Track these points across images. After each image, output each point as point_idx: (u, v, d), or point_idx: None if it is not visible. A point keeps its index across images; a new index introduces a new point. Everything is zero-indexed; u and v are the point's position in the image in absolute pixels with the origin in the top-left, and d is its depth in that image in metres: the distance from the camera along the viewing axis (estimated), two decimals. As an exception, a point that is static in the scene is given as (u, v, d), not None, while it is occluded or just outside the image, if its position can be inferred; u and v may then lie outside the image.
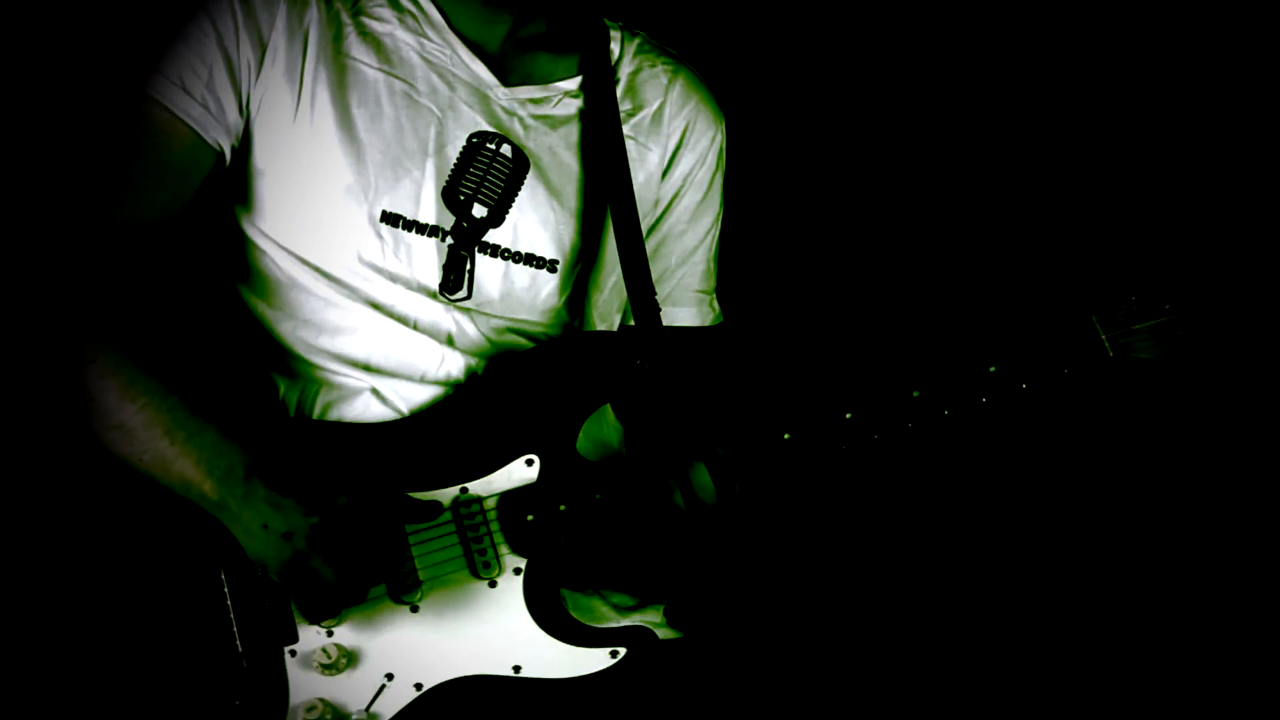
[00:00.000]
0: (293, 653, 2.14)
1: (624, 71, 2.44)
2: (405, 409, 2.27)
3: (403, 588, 2.16)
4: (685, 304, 2.52)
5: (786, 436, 2.24)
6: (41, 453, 2.22)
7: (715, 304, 2.55)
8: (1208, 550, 3.01)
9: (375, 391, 2.27)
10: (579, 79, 2.40)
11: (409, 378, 2.28)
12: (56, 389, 2.11)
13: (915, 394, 2.26)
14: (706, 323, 2.54)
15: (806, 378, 2.94)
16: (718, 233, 2.54)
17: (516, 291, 2.32)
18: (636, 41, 2.48)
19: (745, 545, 2.97)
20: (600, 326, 2.43)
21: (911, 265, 3.12)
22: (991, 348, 2.28)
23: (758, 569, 3.02)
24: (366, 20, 2.31)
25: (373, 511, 2.10)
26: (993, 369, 2.26)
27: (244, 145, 2.24)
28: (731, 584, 2.93)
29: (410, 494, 2.20)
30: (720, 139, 2.49)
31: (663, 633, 2.35)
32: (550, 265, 2.33)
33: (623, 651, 2.19)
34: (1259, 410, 2.83)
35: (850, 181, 3.16)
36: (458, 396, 2.29)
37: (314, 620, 2.13)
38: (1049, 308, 2.33)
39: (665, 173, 2.45)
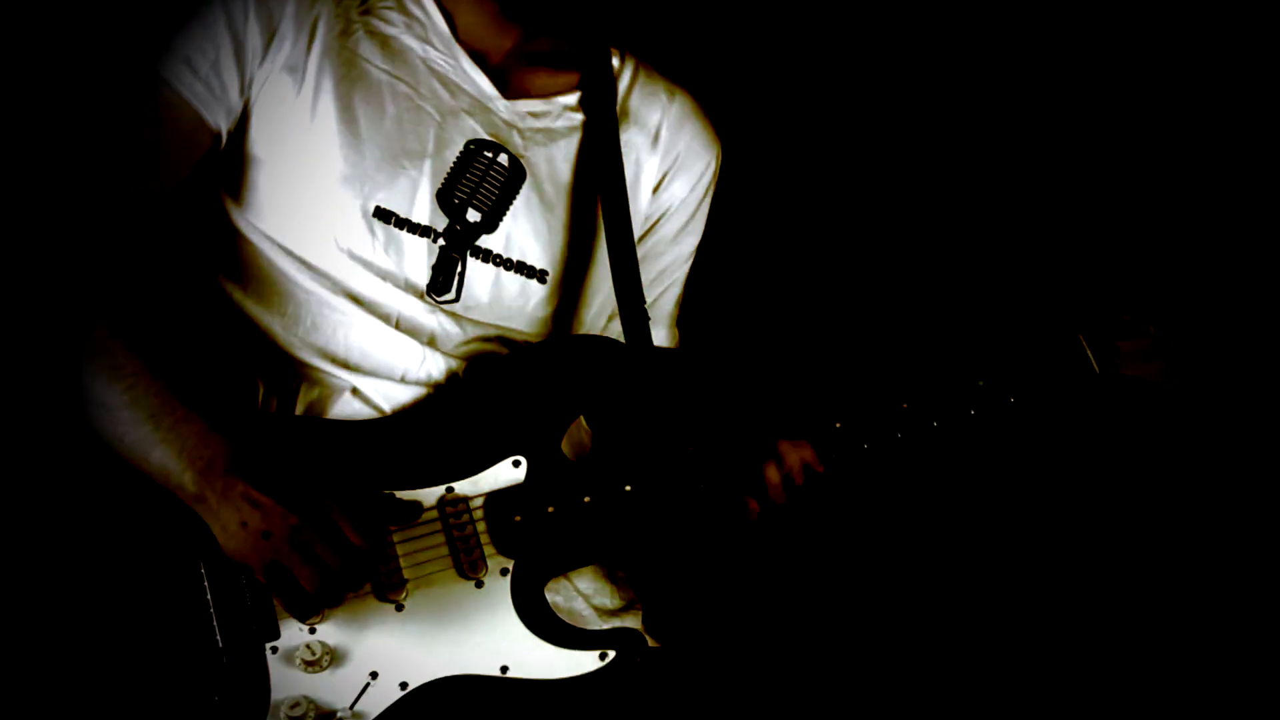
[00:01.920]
0: (274, 649, 2.10)
1: (622, 89, 2.46)
2: (387, 408, 2.25)
3: (388, 586, 2.13)
4: (659, 324, 2.53)
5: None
6: (22, 442, 2.18)
7: (676, 329, 2.56)
8: (1196, 557, 3.03)
9: (356, 391, 2.25)
10: (579, 94, 2.42)
11: (389, 377, 2.26)
12: (48, 368, 2.08)
13: (905, 405, 2.28)
14: (672, 344, 2.55)
15: (797, 387, 2.95)
16: (691, 262, 2.55)
17: (505, 299, 2.31)
18: (634, 62, 2.51)
19: (727, 556, 2.96)
20: None
21: (904, 278, 3.14)
22: (980, 362, 2.30)
23: (741, 579, 3.01)
24: (374, 21, 2.32)
25: (354, 512, 2.07)
26: (981, 383, 2.28)
27: (240, 129, 2.23)
28: (711, 595, 2.92)
29: (394, 493, 2.17)
30: (714, 165, 2.51)
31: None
32: (540, 275, 2.33)
33: (612, 654, 2.16)
34: (1248, 426, 2.86)
35: (844, 194, 3.18)
36: (441, 396, 2.27)
37: (298, 619, 2.10)
38: (1039, 323, 2.35)
39: (655, 191, 2.46)
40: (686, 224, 2.51)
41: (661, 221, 2.49)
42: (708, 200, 2.52)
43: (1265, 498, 2.93)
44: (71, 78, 2.45)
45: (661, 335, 2.53)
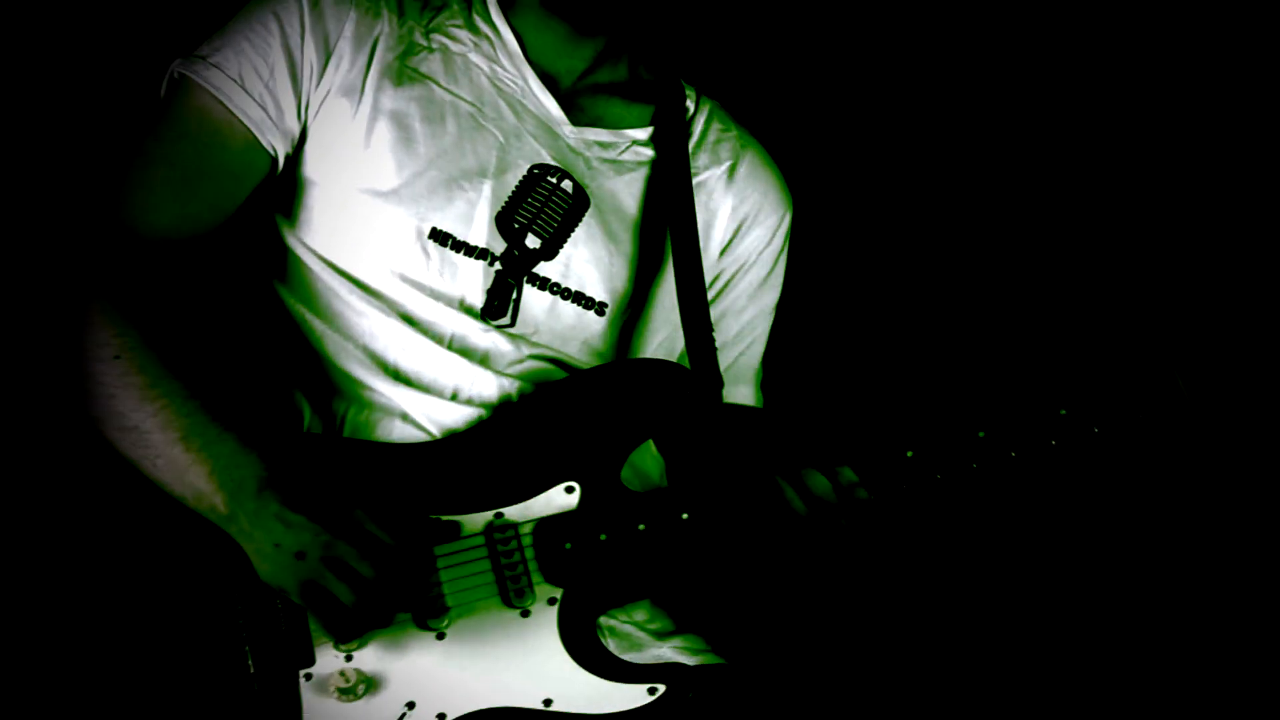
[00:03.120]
0: (308, 676, 2.00)
1: (697, 129, 2.39)
2: (436, 432, 2.16)
3: (429, 613, 2.03)
4: (743, 383, 2.43)
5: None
6: (52, 461, 2.15)
7: (760, 390, 2.46)
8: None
9: (406, 416, 2.16)
10: (650, 129, 2.34)
11: (439, 394, 2.17)
12: (77, 387, 2.02)
13: (981, 434, 2.15)
14: (757, 404, 2.45)
15: (870, 414, 2.85)
16: (772, 319, 2.45)
17: (561, 328, 2.23)
18: (710, 105, 2.44)
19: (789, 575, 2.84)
20: None
21: (984, 304, 3.04)
22: (1061, 390, 2.17)
23: (804, 599, 2.89)
24: (441, 38, 2.27)
25: (389, 523, 1.97)
26: (1063, 411, 2.15)
27: (297, 152, 2.18)
28: (778, 612, 2.80)
29: (439, 517, 2.08)
30: (788, 220, 2.43)
31: (703, 659, 2.22)
32: (599, 307, 2.24)
33: (661, 688, 2.03)
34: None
35: (923, 218, 3.10)
36: (494, 420, 2.18)
37: (338, 641, 2.00)
38: (1121, 353, 2.24)
39: (728, 246, 2.38)
40: (766, 278, 2.42)
41: (740, 274, 2.40)
42: (784, 256, 2.44)
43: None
44: (128, 94, 2.43)
45: (745, 393, 2.44)
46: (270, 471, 1.98)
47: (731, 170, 2.39)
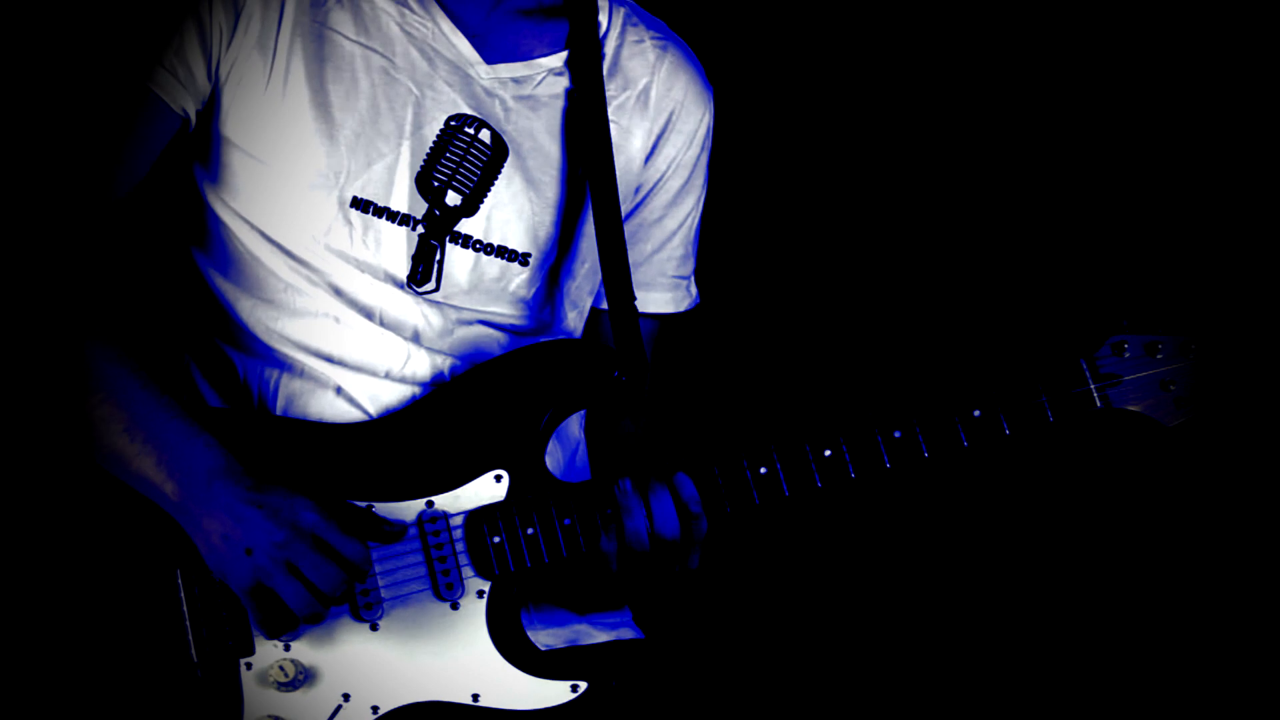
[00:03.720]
0: (248, 665, 2.10)
1: (611, 47, 2.31)
2: (373, 409, 2.19)
3: (364, 605, 2.11)
4: (659, 289, 2.42)
5: (763, 470, 2.19)
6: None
7: (693, 287, 2.45)
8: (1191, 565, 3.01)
9: (341, 390, 2.20)
10: (564, 54, 2.27)
11: (373, 373, 2.20)
12: (27, 374, 2.05)
13: (897, 434, 2.21)
14: (682, 307, 2.44)
15: (791, 401, 2.91)
16: (699, 214, 2.42)
17: (485, 283, 2.23)
18: (624, 10, 2.34)
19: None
20: (570, 313, 2.33)
21: (906, 301, 3.07)
22: (977, 390, 2.23)
23: (726, 575, 3.00)
24: None
25: (339, 531, 2.04)
26: (978, 413, 2.21)
27: (210, 110, 2.15)
28: (697, 588, 2.92)
29: (377, 506, 2.14)
30: (708, 119, 2.36)
31: (621, 633, 2.32)
32: (522, 258, 2.24)
33: (583, 686, 2.12)
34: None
35: (852, 180, 3.09)
36: (427, 400, 2.20)
37: (272, 636, 2.09)
38: (1040, 351, 2.28)
39: (649, 157, 2.33)
40: (684, 184, 2.37)
41: (659, 186, 2.36)
42: (705, 156, 2.38)
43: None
44: (31, 68, 2.37)
45: (664, 299, 2.42)
46: (219, 461, 2.03)
47: (647, 87, 2.32)
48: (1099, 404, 2.16)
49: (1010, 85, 2.99)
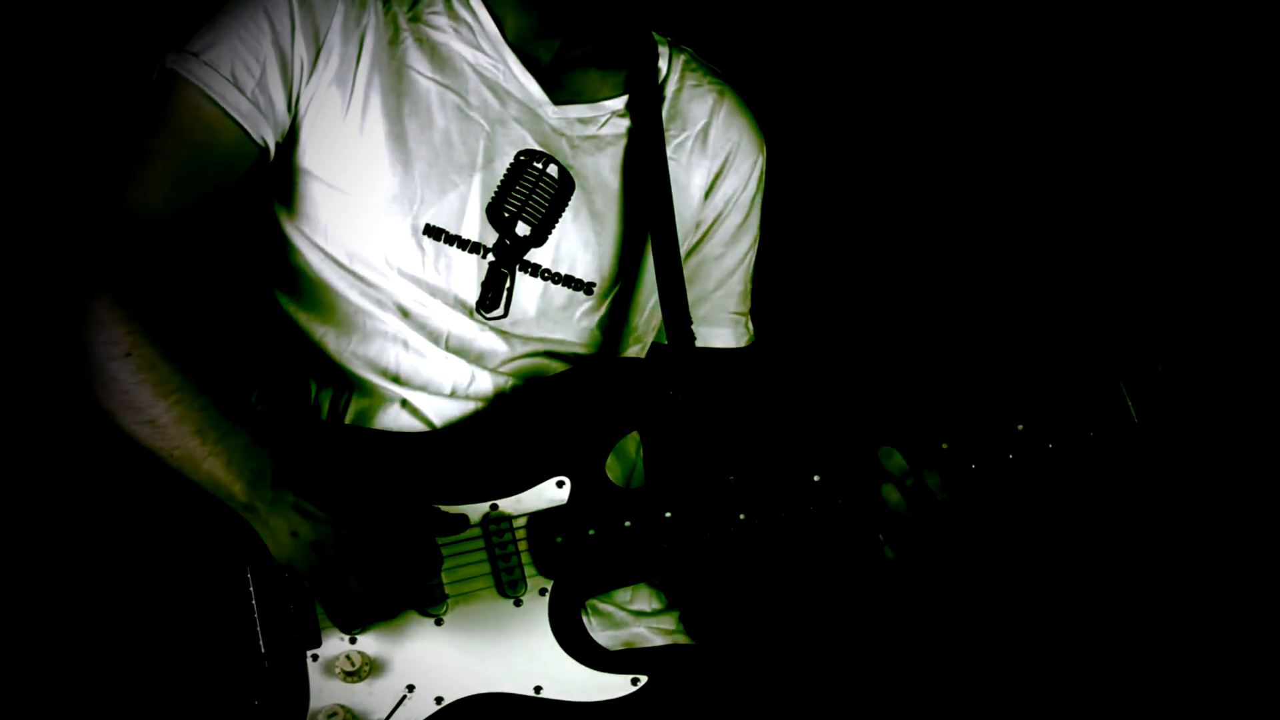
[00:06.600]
0: (315, 656, 2.15)
1: (670, 90, 2.46)
2: (437, 422, 2.29)
3: (429, 601, 2.17)
4: (721, 324, 2.54)
5: (816, 478, 2.26)
6: (66, 444, 2.23)
7: (749, 325, 2.58)
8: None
9: (405, 403, 2.28)
10: (626, 97, 2.43)
11: (438, 393, 2.29)
12: (89, 380, 2.11)
13: (944, 446, 2.28)
14: (741, 344, 2.57)
15: (837, 418, 2.97)
16: (754, 255, 2.56)
17: (552, 311, 2.34)
18: (683, 58, 2.50)
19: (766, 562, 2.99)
20: (634, 348, 2.45)
21: (948, 321, 3.15)
22: (1021, 406, 2.31)
23: (777, 582, 3.03)
24: (422, 27, 2.32)
25: (405, 526, 2.11)
26: (1021, 427, 2.29)
27: (289, 142, 2.25)
28: (748, 595, 2.95)
29: (442, 508, 2.21)
30: (761, 162, 2.51)
31: (676, 639, 2.38)
32: (587, 288, 2.36)
33: (644, 680, 2.19)
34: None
35: (890, 213, 3.18)
36: (490, 412, 2.30)
37: (343, 630, 2.14)
38: (1080, 370, 2.36)
39: (708, 195, 2.47)
40: (742, 223, 2.51)
41: (717, 223, 2.50)
42: (760, 197, 2.53)
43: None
44: (121, 95, 2.48)
45: (725, 335, 2.55)
46: (284, 464, 2.09)
47: (705, 129, 2.47)
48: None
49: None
